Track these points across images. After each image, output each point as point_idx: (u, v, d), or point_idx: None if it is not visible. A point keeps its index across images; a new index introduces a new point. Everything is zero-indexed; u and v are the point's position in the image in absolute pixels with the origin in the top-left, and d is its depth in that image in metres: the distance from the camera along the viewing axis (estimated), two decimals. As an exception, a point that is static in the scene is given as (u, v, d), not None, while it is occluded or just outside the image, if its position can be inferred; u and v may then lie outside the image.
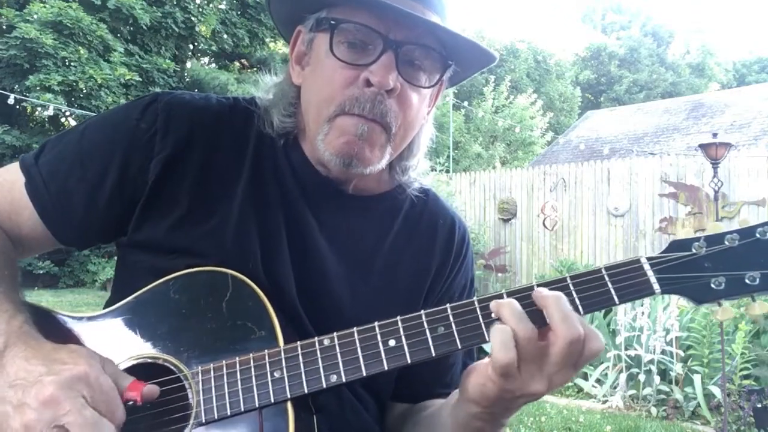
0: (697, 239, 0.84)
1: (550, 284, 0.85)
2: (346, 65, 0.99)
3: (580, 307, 0.84)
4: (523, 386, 0.82)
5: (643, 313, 5.69)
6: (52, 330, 0.93)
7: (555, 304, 0.80)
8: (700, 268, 0.83)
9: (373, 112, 0.98)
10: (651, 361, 5.48)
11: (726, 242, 0.83)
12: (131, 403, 0.84)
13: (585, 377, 6.10)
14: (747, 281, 0.81)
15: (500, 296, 0.85)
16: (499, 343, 0.80)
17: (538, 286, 0.85)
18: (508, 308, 0.81)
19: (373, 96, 0.98)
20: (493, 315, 0.84)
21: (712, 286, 0.82)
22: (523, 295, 0.84)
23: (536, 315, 0.82)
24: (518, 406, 0.87)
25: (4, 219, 1.06)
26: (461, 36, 1.00)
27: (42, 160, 1.06)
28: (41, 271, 14.40)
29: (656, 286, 0.83)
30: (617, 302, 0.83)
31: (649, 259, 0.84)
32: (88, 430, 0.77)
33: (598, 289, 0.84)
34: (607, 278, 0.84)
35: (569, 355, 0.80)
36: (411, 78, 1.01)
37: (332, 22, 0.98)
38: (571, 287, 0.84)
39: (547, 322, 0.81)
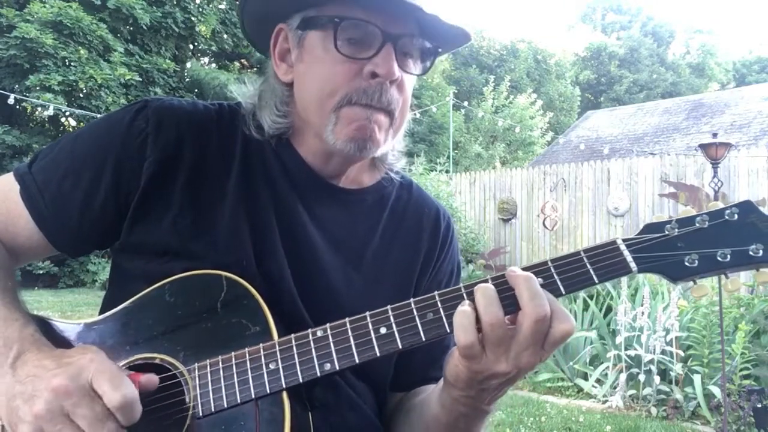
0: (669, 221, 0.88)
1: (532, 268, 0.87)
2: (348, 59, 1.02)
3: (561, 288, 0.86)
4: (489, 367, 0.84)
5: (643, 313, 5.68)
6: (53, 337, 0.95)
7: (524, 282, 0.83)
8: (673, 248, 0.86)
9: (380, 101, 1.03)
10: (651, 361, 5.47)
11: (696, 224, 0.87)
12: None
13: (585, 377, 6.10)
14: (719, 258, 0.85)
15: (486, 281, 0.86)
16: (458, 326, 0.82)
17: (521, 269, 0.87)
18: (481, 292, 0.84)
19: (380, 86, 1.02)
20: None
21: (686, 263, 0.85)
22: (503, 281, 0.86)
23: (511, 299, 0.84)
24: (493, 388, 0.89)
25: (1, 229, 1.07)
26: (445, 23, 1.06)
27: (36, 167, 1.07)
28: (41, 271, 14.39)
29: (633, 265, 0.85)
30: (596, 281, 0.86)
31: (624, 240, 0.87)
32: (97, 425, 0.79)
33: (578, 270, 0.86)
34: (585, 260, 0.87)
35: (536, 333, 0.81)
36: (406, 67, 1.07)
37: (336, 20, 1.01)
38: (552, 269, 0.87)
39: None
